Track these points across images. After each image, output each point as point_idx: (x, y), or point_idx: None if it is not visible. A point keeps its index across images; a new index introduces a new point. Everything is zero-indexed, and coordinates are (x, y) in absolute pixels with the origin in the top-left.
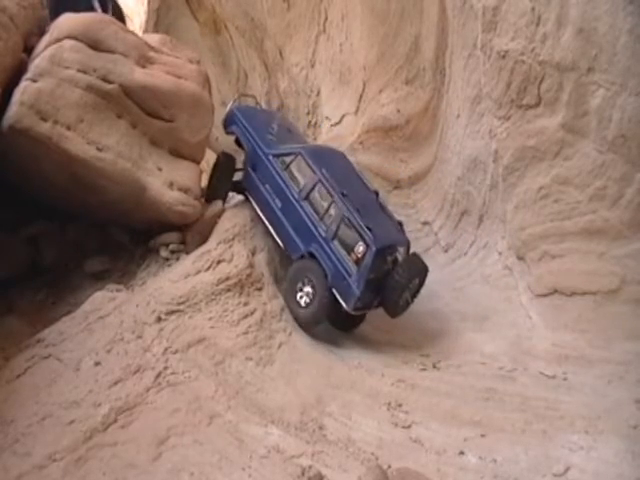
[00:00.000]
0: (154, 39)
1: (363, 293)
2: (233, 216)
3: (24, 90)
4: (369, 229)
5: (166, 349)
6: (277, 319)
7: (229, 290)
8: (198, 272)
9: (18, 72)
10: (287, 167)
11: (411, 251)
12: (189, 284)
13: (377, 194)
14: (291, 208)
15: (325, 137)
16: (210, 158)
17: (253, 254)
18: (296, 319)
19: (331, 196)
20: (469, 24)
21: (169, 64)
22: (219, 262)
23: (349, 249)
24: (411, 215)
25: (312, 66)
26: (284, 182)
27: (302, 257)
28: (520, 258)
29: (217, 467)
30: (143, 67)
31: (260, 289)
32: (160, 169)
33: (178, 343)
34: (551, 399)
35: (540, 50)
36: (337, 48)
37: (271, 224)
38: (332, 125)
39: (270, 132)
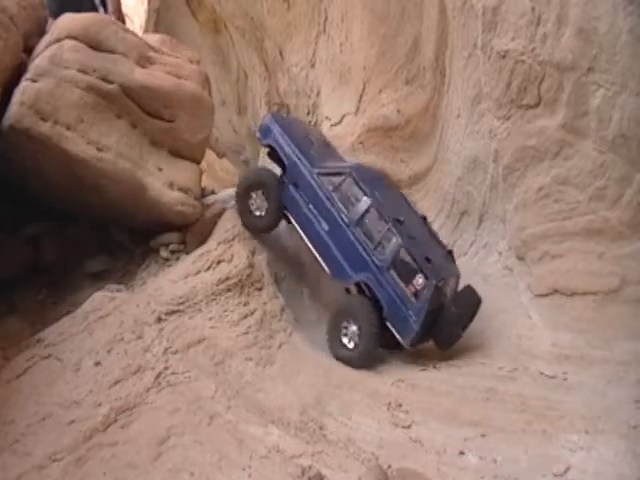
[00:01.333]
0: (154, 39)
1: (422, 329)
2: (233, 216)
3: (24, 90)
4: (428, 261)
5: (166, 349)
6: (277, 319)
7: (229, 290)
8: (198, 272)
9: (18, 72)
10: (337, 188)
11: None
12: (189, 284)
13: (425, 219)
14: (340, 232)
15: None
16: (210, 158)
17: (253, 254)
18: (340, 361)
19: (386, 222)
20: (469, 24)
21: (169, 64)
22: (219, 262)
23: (407, 281)
24: None
25: (312, 66)
26: (333, 204)
27: (347, 291)
28: (520, 258)
29: (217, 467)
30: (143, 67)
31: (260, 289)
32: (160, 169)
33: (178, 343)
34: (551, 399)
35: (540, 50)
36: (337, 48)
37: (315, 247)
38: (332, 125)
39: (311, 146)
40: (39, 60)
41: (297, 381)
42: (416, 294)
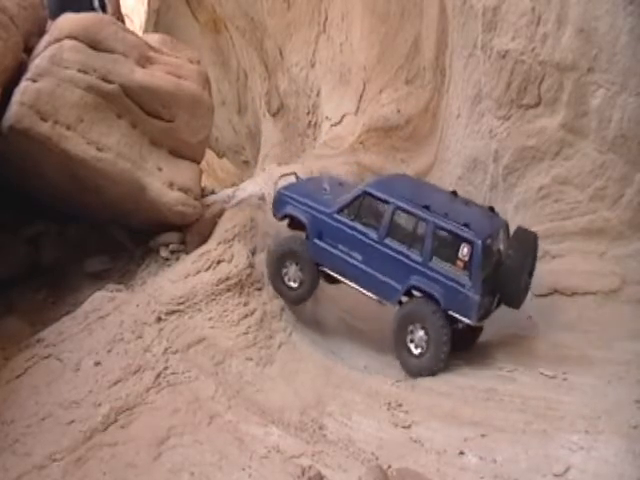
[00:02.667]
0: (154, 39)
1: (482, 297)
2: (233, 216)
3: (24, 90)
4: (466, 226)
5: (166, 349)
6: (277, 319)
7: (229, 290)
8: (198, 272)
9: (18, 72)
10: (357, 214)
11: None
12: (189, 284)
13: (455, 193)
14: (374, 254)
15: (325, 137)
16: (210, 158)
17: (253, 254)
18: (409, 371)
19: (414, 216)
20: (469, 24)
21: (169, 64)
22: (219, 262)
23: (452, 259)
24: None
25: (312, 66)
26: (358, 231)
27: (400, 302)
28: None
29: (217, 467)
30: (143, 67)
31: (260, 289)
32: (160, 169)
33: (178, 343)
34: (551, 399)
35: (540, 50)
36: (337, 48)
37: (356, 282)
38: (332, 125)
39: (324, 193)
40: (39, 60)
41: (297, 381)
42: (465, 265)
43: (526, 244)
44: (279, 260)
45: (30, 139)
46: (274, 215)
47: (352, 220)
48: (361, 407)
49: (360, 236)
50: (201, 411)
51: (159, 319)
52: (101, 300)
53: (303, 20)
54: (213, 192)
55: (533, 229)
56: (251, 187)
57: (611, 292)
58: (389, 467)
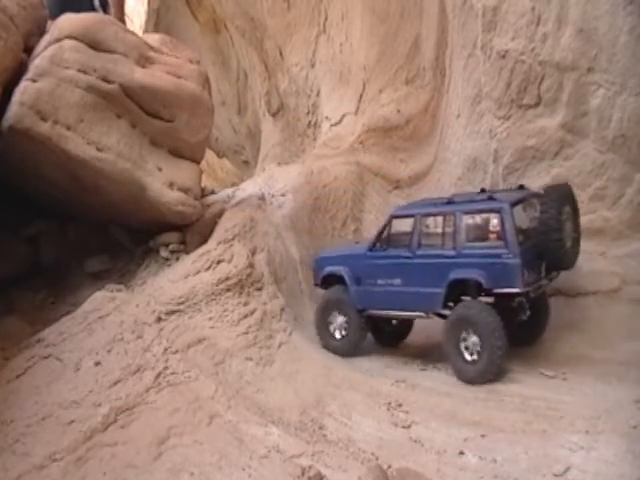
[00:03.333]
0: (154, 39)
1: (524, 261)
2: (233, 216)
3: (24, 90)
4: (491, 198)
5: (166, 349)
6: (277, 319)
7: (229, 290)
8: (198, 272)
9: (18, 72)
10: (387, 242)
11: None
12: (189, 284)
13: (484, 190)
14: (411, 271)
15: (325, 137)
16: (210, 158)
17: (253, 254)
18: (461, 377)
19: (439, 215)
20: (469, 24)
21: (169, 64)
22: (219, 262)
23: (485, 235)
24: None
25: (312, 66)
26: (392, 257)
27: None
28: None
29: (217, 467)
30: (143, 67)
31: (260, 289)
32: (160, 169)
33: (178, 343)
34: (551, 399)
35: (540, 50)
36: (337, 48)
37: (402, 307)
38: (332, 125)
39: (357, 245)
40: (39, 60)
41: (297, 381)
42: (498, 235)
43: (559, 197)
44: (325, 311)
45: (30, 139)
46: (315, 284)
47: (384, 250)
48: (361, 407)
49: (394, 260)
50: (201, 411)
51: (159, 319)
52: (101, 300)
53: (303, 20)
54: (213, 192)
55: None
56: (251, 187)
57: (611, 292)
58: (389, 467)
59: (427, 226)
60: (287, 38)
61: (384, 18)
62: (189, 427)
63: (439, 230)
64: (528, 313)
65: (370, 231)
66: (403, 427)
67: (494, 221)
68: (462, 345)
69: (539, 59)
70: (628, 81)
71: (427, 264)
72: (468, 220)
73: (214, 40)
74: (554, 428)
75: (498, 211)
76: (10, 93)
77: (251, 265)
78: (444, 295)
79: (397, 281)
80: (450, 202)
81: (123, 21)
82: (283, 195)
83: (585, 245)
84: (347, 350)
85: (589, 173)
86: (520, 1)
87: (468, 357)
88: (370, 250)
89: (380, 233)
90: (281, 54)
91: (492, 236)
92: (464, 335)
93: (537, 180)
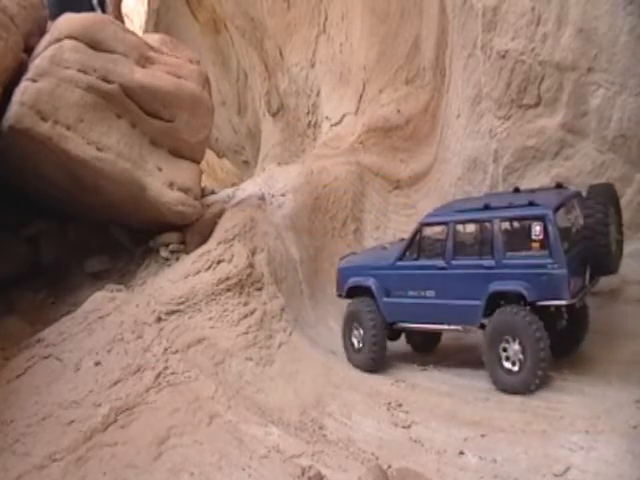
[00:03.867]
0: (154, 39)
1: (570, 270)
2: (233, 216)
3: (24, 90)
4: (531, 204)
5: (166, 349)
6: (277, 319)
7: (229, 290)
8: (198, 272)
9: (18, 72)
10: (419, 251)
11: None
12: (189, 284)
13: (518, 189)
14: (446, 282)
15: (325, 137)
16: (210, 158)
17: (253, 254)
18: (504, 388)
19: (475, 221)
20: (469, 24)
21: (169, 64)
22: (219, 262)
23: (527, 245)
24: (411, 215)
25: (312, 66)
26: (424, 267)
27: (487, 315)
28: None
29: (217, 467)
30: (143, 67)
31: (260, 289)
32: (160, 169)
33: (178, 343)
34: (551, 399)
35: (540, 50)
36: (337, 48)
37: (436, 321)
38: (332, 125)
39: (384, 251)
40: (39, 60)
41: (297, 381)
42: (542, 243)
43: (603, 197)
44: (348, 322)
45: (30, 139)
46: (339, 295)
47: (415, 259)
48: (361, 407)
49: (427, 271)
50: (201, 411)
51: (159, 319)
52: (101, 300)
53: (303, 20)
54: (213, 192)
55: None
56: (251, 187)
57: (611, 292)
58: (389, 467)
59: (462, 232)
60: (287, 38)
61: (384, 18)
62: (189, 427)
63: (475, 237)
64: (565, 320)
65: (370, 232)
66: (403, 427)
67: (536, 229)
68: (503, 355)
69: (539, 59)
70: (628, 81)
71: (465, 275)
72: (507, 227)
73: (214, 40)
74: (554, 428)
75: (541, 218)
76: (10, 93)
77: (251, 265)
78: (483, 308)
79: (431, 293)
80: (487, 207)
81: (121, 20)
82: (283, 195)
83: None
84: (367, 365)
85: (589, 173)
86: (520, 1)
87: (509, 366)
88: (400, 259)
89: (410, 241)
90: (281, 54)
91: (535, 245)
92: (505, 345)
93: (537, 180)
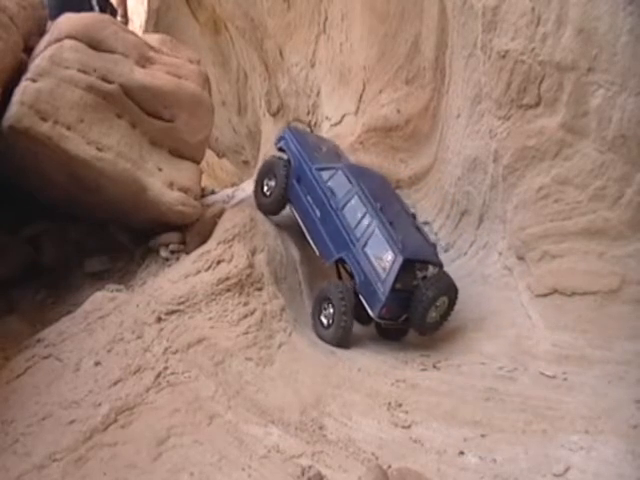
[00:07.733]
0: (154, 39)
1: (389, 301)
2: (233, 216)
3: (24, 90)
4: (403, 244)
5: (166, 349)
6: (277, 319)
7: (229, 290)
8: (198, 272)
9: (18, 72)
10: (328, 180)
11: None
12: (189, 284)
13: (414, 216)
14: (329, 218)
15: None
16: (210, 158)
17: (253, 254)
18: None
19: (365, 207)
20: (469, 24)
21: (169, 64)
22: (219, 262)
23: (379, 257)
24: None
25: (312, 66)
26: (324, 193)
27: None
28: (520, 258)
29: (217, 467)
30: (143, 67)
31: (260, 289)
32: (160, 169)
33: (178, 343)
34: (551, 399)
35: (540, 50)
36: (337, 48)
37: (309, 232)
38: (332, 125)
39: (317, 152)
40: (39, 60)
41: (297, 381)
42: (385, 269)
43: (445, 286)
44: (262, 175)
45: (30, 139)
46: (275, 143)
47: (325, 182)
48: (361, 407)
49: (324, 198)
50: (201, 411)
51: (159, 319)
52: (101, 300)
53: (303, 20)
54: (213, 192)
55: (533, 229)
56: (251, 187)
57: (611, 292)
58: (389, 467)
59: (357, 201)
60: (287, 38)
61: (384, 18)
62: (189, 427)
63: (359, 214)
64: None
65: None
66: (403, 427)
67: (388, 257)
68: (323, 314)
69: (539, 59)
70: (628, 81)
71: (339, 229)
72: (377, 234)
73: (214, 40)
74: (554, 428)
75: (395, 254)
76: (10, 93)
77: (251, 265)
78: (334, 259)
79: (318, 213)
80: (381, 209)
81: (127, 17)
82: None
83: (585, 245)
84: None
85: (589, 173)
86: (520, 1)
87: (325, 322)
88: (316, 170)
89: (329, 168)
90: (281, 54)
91: (381, 263)
92: (325, 306)
93: (537, 180)
